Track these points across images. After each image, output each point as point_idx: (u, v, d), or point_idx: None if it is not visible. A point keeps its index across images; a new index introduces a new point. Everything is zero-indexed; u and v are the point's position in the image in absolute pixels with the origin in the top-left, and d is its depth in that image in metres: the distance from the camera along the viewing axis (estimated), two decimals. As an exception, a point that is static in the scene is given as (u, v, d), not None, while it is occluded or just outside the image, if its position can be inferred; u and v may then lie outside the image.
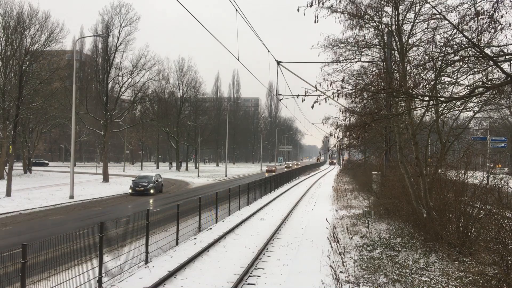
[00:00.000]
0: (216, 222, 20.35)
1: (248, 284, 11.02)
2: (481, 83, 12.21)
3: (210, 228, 18.90)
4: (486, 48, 10.27)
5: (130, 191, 34.47)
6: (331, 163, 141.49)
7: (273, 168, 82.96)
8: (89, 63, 59.38)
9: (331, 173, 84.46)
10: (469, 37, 9.46)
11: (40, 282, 9.33)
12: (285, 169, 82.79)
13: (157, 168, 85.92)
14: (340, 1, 12.94)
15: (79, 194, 32.77)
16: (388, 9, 16.68)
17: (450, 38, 12.24)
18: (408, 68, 14.82)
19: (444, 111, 16.73)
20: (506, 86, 12.22)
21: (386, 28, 17.75)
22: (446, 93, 15.55)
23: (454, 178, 14.18)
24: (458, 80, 14.62)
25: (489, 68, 11.44)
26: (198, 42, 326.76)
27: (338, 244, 13.29)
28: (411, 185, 15.19)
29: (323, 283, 10.43)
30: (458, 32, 10.33)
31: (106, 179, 47.30)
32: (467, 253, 11.82)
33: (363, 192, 31.42)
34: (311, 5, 9.82)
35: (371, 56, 22.32)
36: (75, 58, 34.89)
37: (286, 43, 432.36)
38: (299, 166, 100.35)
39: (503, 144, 43.72)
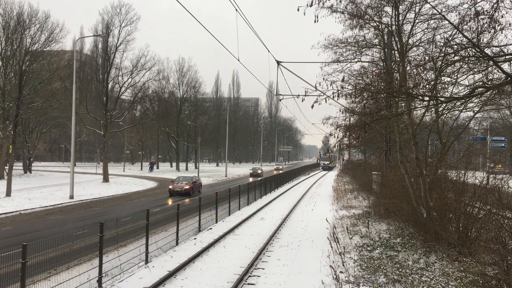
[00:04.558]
0: (216, 222, 20.35)
1: (248, 284, 11.02)
2: (481, 83, 12.21)
3: (210, 228, 18.90)
4: (486, 48, 10.26)
5: None
6: (326, 167, 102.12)
7: (185, 185, 33.73)
8: (89, 63, 59.41)
9: (331, 173, 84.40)
10: (469, 37, 9.46)
11: (40, 282, 9.33)
12: (250, 179, 50.97)
13: (157, 168, 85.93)
14: (340, 1, 12.90)
15: (79, 194, 32.78)
16: (388, 9, 16.70)
17: (450, 38, 12.23)
18: (408, 68, 14.81)
19: (444, 111, 16.75)
20: (506, 86, 12.21)
21: (386, 28, 17.76)
22: (446, 93, 15.54)
23: (454, 178, 14.17)
24: (458, 80, 14.62)
25: (489, 68, 11.42)
26: (198, 42, 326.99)
27: (338, 244, 13.29)
28: (411, 185, 15.18)
29: (323, 283, 10.43)
30: (458, 32, 10.33)
31: (106, 179, 47.31)
32: (467, 253, 11.82)
33: (363, 192, 31.43)
34: (311, 5, 9.82)
35: (371, 56, 22.35)
36: (75, 58, 34.89)
37: (286, 43, 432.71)
38: (280, 171, 62.84)
39: (503, 144, 43.81)
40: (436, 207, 13.64)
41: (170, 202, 23.83)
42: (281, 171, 65.36)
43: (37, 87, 40.07)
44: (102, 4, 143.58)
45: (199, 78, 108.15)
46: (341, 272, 11.30)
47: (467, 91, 13.78)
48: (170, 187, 33.91)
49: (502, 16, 8.85)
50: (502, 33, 9.28)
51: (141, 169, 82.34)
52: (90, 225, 12.96)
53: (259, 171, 64.47)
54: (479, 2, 9.35)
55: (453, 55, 10.65)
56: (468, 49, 9.66)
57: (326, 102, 11.60)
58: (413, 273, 11.07)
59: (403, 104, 15.77)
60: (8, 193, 29.90)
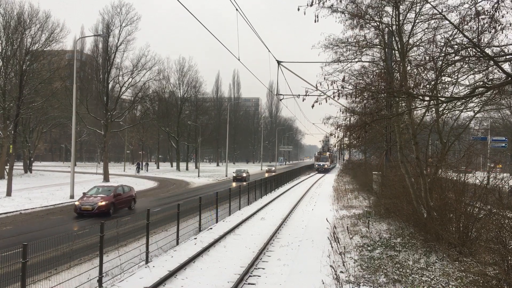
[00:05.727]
0: (217, 222, 20.36)
1: (249, 284, 11.02)
2: (481, 83, 12.20)
3: (211, 228, 18.90)
4: (487, 48, 10.27)
5: None
6: (322, 169, 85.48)
7: (100, 200, 22.32)
8: (89, 63, 59.47)
9: (331, 174, 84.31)
10: (469, 37, 9.46)
11: (41, 282, 9.33)
12: (234, 184, 45.95)
13: (158, 168, 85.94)
14: (340, 1, 12.90)
15: (80, 194, 32.74)
16: (389, 9, 16.68)
17: (450, 38, 12.23)
18: (408, 68, 14.81)
19: (444, 111, 16.76)
20: (507, 86, 12.23)
21: (386, 28, 17.74)
22: (447, 93, 15.54)
23: (455, 178, 14.17)
24: (458, 80, 14.62)
25: (490, 68, 11.42)
26: (199, 42, 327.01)
27: (338, 244, 13.29)
28: (412, 185, 15.18)
29: (323, 283, 10.43)
30: (458, 32, 10.33)
31: (106, 178, 47.33)
32: (468, 253, 11.82)
33: (364, 192, 31.43)
34: (311, 5, 9.83)
35: (372, 56, 22.34)
36: (76, 58, 34.86)
37: (287, 43, 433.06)
38: (273, 174, 55.23)
39: (503, 144, 43.77)
40: (436, 207, 13.64)
41: (76, 228, 18.48)
42: (273, 173, 55.73)
43: (38, 87, 40.11)
44: (102, 4, 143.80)
45: (200, 78, 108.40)
46: (341, 272, 11.30)
47: (468, 91, 13.79)
48: (77, 203, 22.43)
49: (502, 16, 8.85)
50: (502, 33, 9.28)
51: (142, 168, 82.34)
52: (91, 225, 12.96)
53: (244, 175, 51.94)
54: (480, 2, 9.36)
55: (453, 55, 10.64)
56: (469, 49, 9.66)
57: (326, 102, 11.61)
58: (413, 273, 11.07)
59: (403, 104, 15.76)
60: (9, 193, 29.90)
